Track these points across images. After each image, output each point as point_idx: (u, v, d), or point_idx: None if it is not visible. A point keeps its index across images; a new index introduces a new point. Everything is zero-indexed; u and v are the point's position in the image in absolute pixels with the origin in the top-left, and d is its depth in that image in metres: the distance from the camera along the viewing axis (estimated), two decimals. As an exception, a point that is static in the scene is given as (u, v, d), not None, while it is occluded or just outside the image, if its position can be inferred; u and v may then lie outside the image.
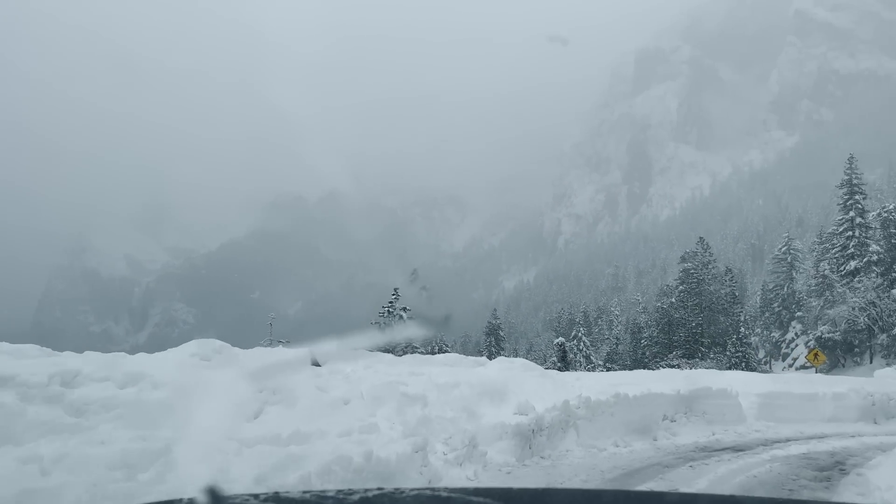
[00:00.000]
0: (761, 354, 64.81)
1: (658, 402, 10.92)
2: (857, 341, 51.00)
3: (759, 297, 76.08)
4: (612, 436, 10.61)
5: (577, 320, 65.22)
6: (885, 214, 52.66)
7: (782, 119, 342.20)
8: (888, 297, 47.87)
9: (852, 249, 52.92)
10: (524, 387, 11.00)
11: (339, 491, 2.21)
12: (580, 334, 53.15)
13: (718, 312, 52.70)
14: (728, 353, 46.51)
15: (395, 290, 36.43)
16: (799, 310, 62.58)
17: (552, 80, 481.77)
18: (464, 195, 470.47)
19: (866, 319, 48.47)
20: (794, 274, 66.30)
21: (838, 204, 56.32)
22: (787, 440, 10.83)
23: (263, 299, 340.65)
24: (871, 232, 53.08)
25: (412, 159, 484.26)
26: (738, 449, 10.26)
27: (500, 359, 14.58)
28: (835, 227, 56.97)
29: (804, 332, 60.00)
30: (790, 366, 59.52)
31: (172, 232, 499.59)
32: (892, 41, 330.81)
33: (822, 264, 58.10)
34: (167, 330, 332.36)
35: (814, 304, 57.85)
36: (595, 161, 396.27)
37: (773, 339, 66.29)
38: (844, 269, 52.89)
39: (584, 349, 52.23)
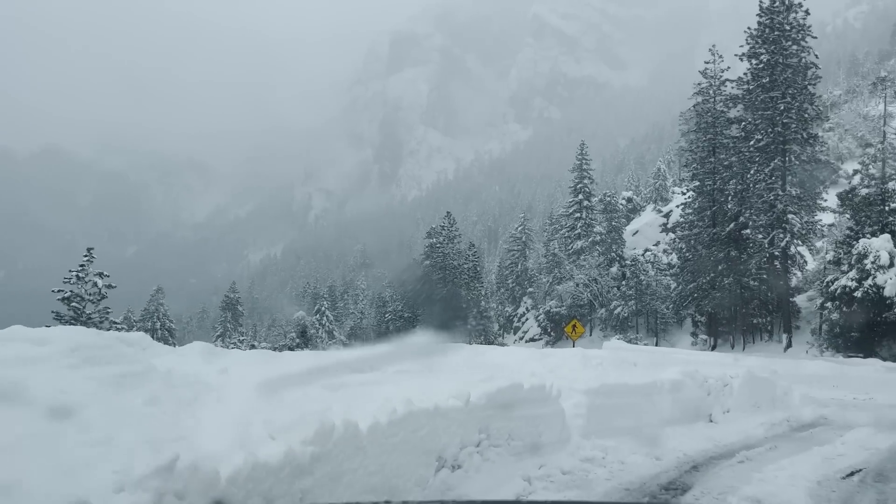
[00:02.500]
0: (496, 328, 67.73)
1: (433, 429, 5.62)
2: (579, 315, 54.94)
3: (494, 275, 79.90)
4: None
5: (322, 294, 62.21)
6: (608, 199, 57.43)
7: (519, 113, 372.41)
8: (608, 274, 52.07)
9: (579, 230, 56.90)
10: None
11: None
12: (324, 308, 50.19)
13: (461, 287, 53.30)
14: (469, 325, 46.96)
15: (89, 250, 29.64)
16: (530, 286, 66.34)
17: (306, 52, 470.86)
18: (208, 162, 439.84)
19: (589, 295, 52.27)
20: (527, 252, 70.20)
21: (570, 187, 60.33)
22: (662, 485, 6.27)
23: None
24: (595, 214, 57.53)
25: (147, 121, 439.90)
26: None
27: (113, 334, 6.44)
28: (565, 209, 61.02)
29: (534, 307, 63.66)
30: (521, 339, 62.86)
31: None
32: (609, 52, 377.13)
33: (552, 243, 61.94)
34: None
35: (544, 280, 61.54)
36: (348, 137, 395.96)
37: (507, 314, 69.73)
38: (572, 248, 56.68)
39: (328, 324, 49.40)
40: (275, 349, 40.56)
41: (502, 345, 50.50)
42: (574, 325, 25.74)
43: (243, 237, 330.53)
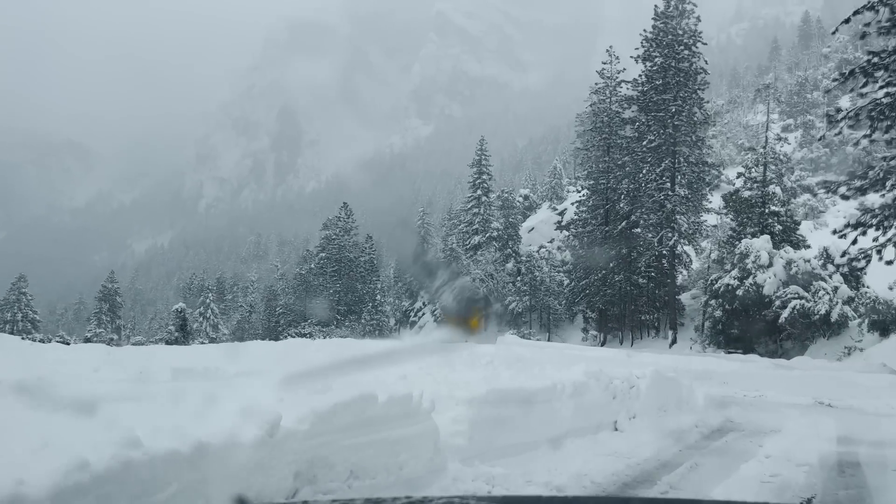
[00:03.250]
0: (392, 322, 66.76)
1: (190, 485, 3.26)
2: (475, 310, 54.85)
3: (393, 269, 78.88)
4: None
5: (209, 286, 58.98)
6: (505, 196, 57.71)
7: (421, 109, 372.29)
8: (504, 270, 52.19)
9: (477, 225, 56.79)
10: None
11: (367, 500, 2.22)
12: (209, 301, 47.36)
13: (357, 280, 51.89)
14: (363, 320, 45.66)
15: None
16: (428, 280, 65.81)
17: (201, 34, 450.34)
18: (90, 144, 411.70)
19: (485, 290, 52.22)
20: (426, 246, 69.62)
21: (469, 182, 60.09)
22: None
23: None
24: (493, 210, 57.63)
25: (21, 97, 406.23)
26: None
27: None
28: (463, 204, 60.84)
29: (431, 302, 63.18)
30: (417, 334, 62.21)
31: None
32: (511, 54, 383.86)
33: (450, 238, 61.61)
34: None
35: (441, 274, 61.10)
36: (244, 124, 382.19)
37: (404, 308, 68.88)
38: (469, 243, 56.51)
39: (213, 317, 46.66)
40: (152, 343, 37.73)
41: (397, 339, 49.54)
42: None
43: (128, 225, 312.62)
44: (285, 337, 36.56)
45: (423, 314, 64.24)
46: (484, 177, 58.22)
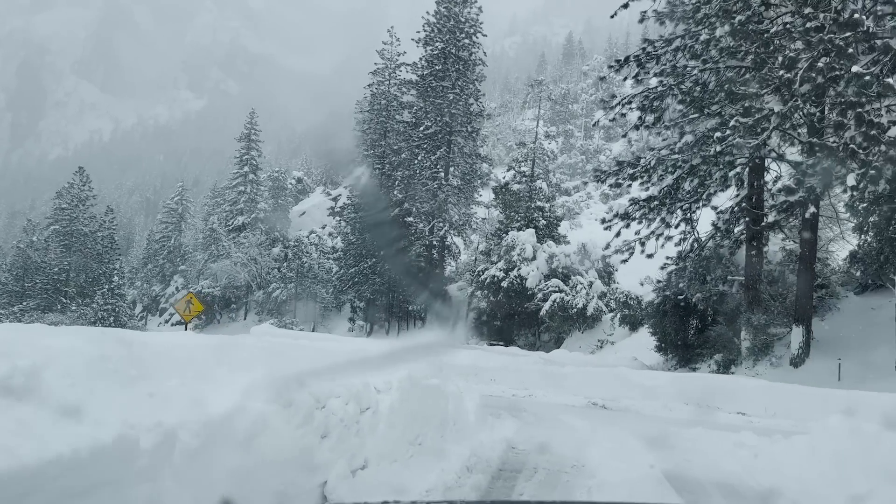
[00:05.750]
0: (139, 309, 59.59)
1: None
2: (235, 297, 50.56)
3: (144, 250, 70.79)
4: None
5: None
6: (276, 176, 54.03)
7: (192, 81, 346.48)
8: (269, 255, 48.48)
9: (242, 205, 52.32)
10: None
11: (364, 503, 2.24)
12: None
13: (92, 259, 44.76)
14: (96, 304, 39.19)
15: None
16: (183, 263, 59.71)
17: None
18: None
19: (247, 275, 48.16)
20: (183, 226, 63.22)
21: (235, 157, 55.16)
22: None
23: None
24: (262, 191, 53.60)
25: None
26: None
27: None
28: (229, 182, 55.88)
29: (186, 287, 57.28)
30: (167, 321, 56.01)
31: None
32: (294, 36, 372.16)
33: (212, 218, 56.42)
34: None
35: (199, 257, 55.73)
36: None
37: (154, 294, 61.87)
38: (233, 223, 51.88)
39: None
40: None
41: (140, 329, 43.61)
42: (189, 301, 20.46)
43: None
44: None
45: (177, 300, 58.09)
46: (253, 153, 53.85)
